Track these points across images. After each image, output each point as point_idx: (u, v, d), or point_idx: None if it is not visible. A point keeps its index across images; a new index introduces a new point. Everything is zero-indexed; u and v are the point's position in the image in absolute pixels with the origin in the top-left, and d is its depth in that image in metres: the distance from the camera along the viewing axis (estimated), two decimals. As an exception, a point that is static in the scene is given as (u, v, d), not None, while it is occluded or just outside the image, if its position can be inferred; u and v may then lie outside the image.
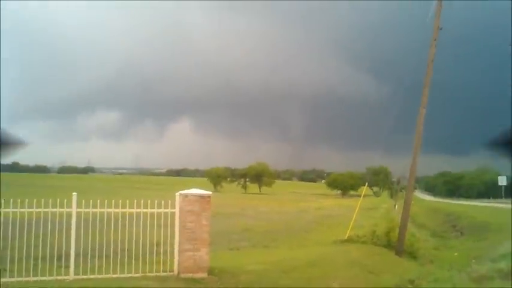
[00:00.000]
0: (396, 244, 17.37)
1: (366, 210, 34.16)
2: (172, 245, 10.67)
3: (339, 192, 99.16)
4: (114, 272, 10.09)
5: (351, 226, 19.37)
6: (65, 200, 10.07)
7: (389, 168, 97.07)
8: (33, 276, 9.63)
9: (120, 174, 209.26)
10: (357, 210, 20.82)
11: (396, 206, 46.08)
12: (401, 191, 61.71)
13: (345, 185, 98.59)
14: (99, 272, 10.02)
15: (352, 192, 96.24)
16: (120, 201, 10.25)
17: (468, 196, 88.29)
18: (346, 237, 18.63)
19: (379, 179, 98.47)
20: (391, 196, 78.64)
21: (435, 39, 17.43)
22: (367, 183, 40.31)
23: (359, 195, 63.85)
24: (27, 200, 9.93)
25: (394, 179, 79.94)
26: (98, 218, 10.15)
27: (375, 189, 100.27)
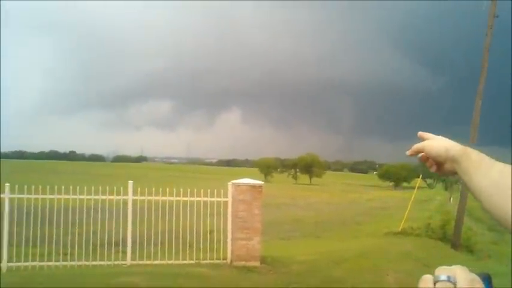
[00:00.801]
0: (452, 237, 16.91)
1: (420, 202, 33.37)
2: (224, 233, 10.79)
3: (391, 184, 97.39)
4: (169, 259, 10.32)
5: (404, 218, 19.00)
6: (121, 188, 10.37)
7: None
8: (92, 260, 9.99)
9: (172, 163, 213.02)
10: (411, 202, 20.38)
11: (451, 199, 44.81)
12: (456, 183, 59.96)
13: (397, 176, 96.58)
14: (155, 258, 10.27)
15: (404, 184, 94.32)
16: (175, 189, 10.47)
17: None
18: (399, 229, 18.29)
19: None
20: (446, 188, 76.52)
21: (491, 27, 16.70)
22: (421, 175, 39.27)
23: (412, 187, 62.53)
24: (85, 188, 10.30)
25: (449, 171, 77.59)
26: (153, 205, 10.38)
27: (429, 181, 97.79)
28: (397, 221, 19.86)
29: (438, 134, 1.27)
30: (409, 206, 20.14)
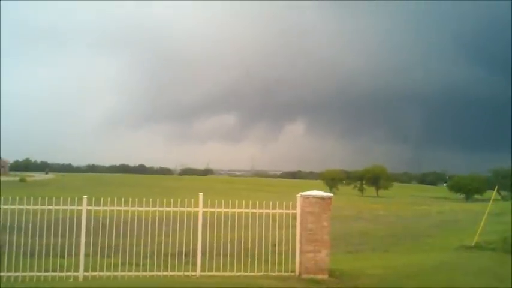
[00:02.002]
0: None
1: (494, 215, 31.82)
2: (292, 246, 10.76)
3: (462, 196, 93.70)
4: (238, 271, 10.42)
5: (479, 232, 18.19)
6: (189, 200, 10.59)
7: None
8: (163, 271, 10.25)
9: (236, 176, 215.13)
10: (485, 214, 19.53)
11: (528, 212, 42.58)
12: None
13: (468, 188, 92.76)
14: (224, 270, 10.41)
15: (476, 196, 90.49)
16: (243, 201, 10.59)
17: None
18: (473, 243, 17.53)
19: (509, 183, 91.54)
20: (522, 201, 72.89)
21: None
22: (496, 187, 37.52)
23: (484, 200, 59.91)
24: (158, 200, 10.62)
25: (526, 183, 73.95)
26: (222, 217, 10.54)
27: (503, 193, 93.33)
28: (470, 234, 19.05)
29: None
30: (483, 219, 19.29)
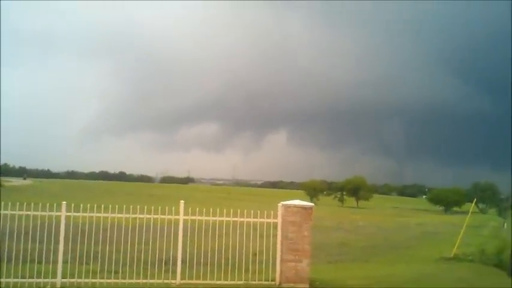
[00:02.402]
0: (509, 265, 16.23)
1: (473, 227, 32.26)
2: (273, 255, 10.74)
3: (441, 208, 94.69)
4: (218, 279, 10.36)
5: (457, 244, 18.39)
6: (170, 208, 10.51)
7: (497, 184, 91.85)
8: (143, 278, 10.14)
9: (218, 185, 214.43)
10: (464, 227, 19.74)
11: (505, 225, 43.22)
12: (510, 208, 57.80)
13: (448, 201, 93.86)
14: (204, 278, 10.33)
15: (455, 209, 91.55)
16: (225, 210, 10.55)
17: None
18: (452, 255, 17.72)
19: (486, 196, 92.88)
20: (500, 214, 73.88)
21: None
22: (475, 200, 38.00)
23: (463, 212, 60.57)
24: (138, 207, 10.52)
25: (503, 196, 75.10)
26: (203, 226, 10.48)
27: (482, 206, 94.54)
28: (449, 246, 19.24)
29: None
30: (462, 231, 19.51)
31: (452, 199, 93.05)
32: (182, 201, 10.42)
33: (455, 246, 18.20)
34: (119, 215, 10.36)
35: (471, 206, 31.50)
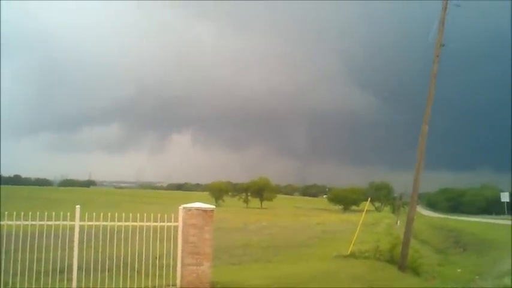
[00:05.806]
0: (399, 260, 17.26)
1: (368, 225, 33.95)
2: (174, 259, 10.65)
3: (341, 207, 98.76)
4: (117, 285, 10.08)
5: (353, 241, 19.28)
6: (68, 214, 10.06)
7: (392, 183, 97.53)
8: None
9: (121, 187, 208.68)
10: (359, 225, 20.73)
11: (398, 222, 45.92)
12: (403, 206, 61.52)
13: (346, 200, 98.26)
14: (102, 285, 10.01)
15: (353, 208, 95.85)
16: (124, 214, 10.28)
17: (470, 212, 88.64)
18: (348, 252, 18.53)
19: (382, 195, 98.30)
20: (393, 212, 78.37)
21: (437, 56, 17.49)
22: (369, 198, 40.05)
23: (361, 211, 63.57)
24: (30, 213, 9.94)
25: (397, 195, 79.77)
26: (100, 231, 10.13)
27: (377, 204, 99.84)
28: (346, 244, 20.11)
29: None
30: (357, 229, 20.47)
31: (351, 198, 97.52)
32: (78, 206, 10.01)
33: (352, 244, 19.06)
34: (9, 222, 9.73)
35: (365, 205, 33.11)
